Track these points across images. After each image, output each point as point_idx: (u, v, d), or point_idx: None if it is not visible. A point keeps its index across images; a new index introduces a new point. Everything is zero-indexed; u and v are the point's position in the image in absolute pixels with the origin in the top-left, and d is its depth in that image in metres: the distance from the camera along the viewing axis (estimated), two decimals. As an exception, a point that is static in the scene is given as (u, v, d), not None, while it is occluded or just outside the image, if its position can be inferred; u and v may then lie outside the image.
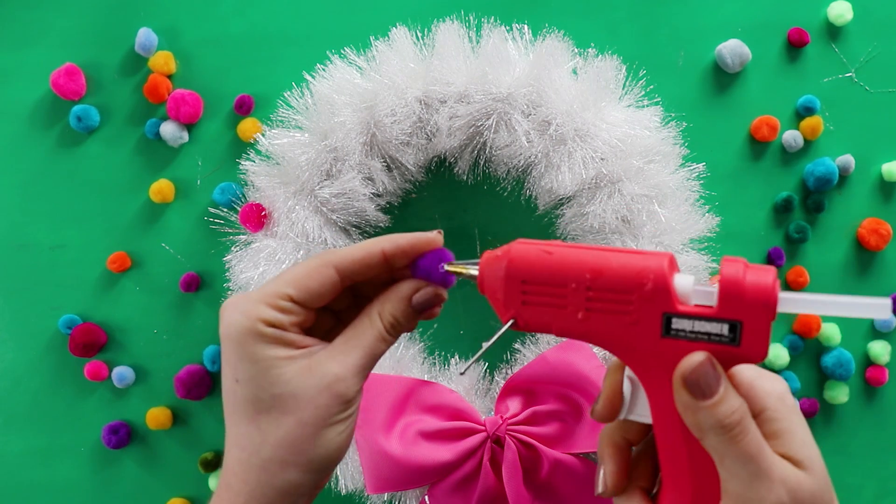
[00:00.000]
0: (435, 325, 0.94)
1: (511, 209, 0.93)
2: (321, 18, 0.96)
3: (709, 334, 0.48)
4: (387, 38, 0.85)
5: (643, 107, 0.86)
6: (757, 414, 0.50)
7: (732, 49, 0.94)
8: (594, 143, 0.81)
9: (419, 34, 0.85)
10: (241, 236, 0.88)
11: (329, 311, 0.58)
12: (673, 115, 0.88)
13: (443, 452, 0.79)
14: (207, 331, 0.96)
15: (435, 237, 0.55)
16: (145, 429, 0.96)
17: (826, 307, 0.47)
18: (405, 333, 0.62)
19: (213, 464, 0.94)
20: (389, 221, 0.90)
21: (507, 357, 0.90)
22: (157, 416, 0.94)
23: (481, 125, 0.82)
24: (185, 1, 0.96)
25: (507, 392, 0.83)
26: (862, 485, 0.97)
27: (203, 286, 0.95)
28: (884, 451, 0.97)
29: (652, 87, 0.87)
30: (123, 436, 0.94)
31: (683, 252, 0.83)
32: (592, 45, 0.85)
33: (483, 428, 0.80)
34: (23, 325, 0.96)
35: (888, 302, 0.45)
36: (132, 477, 0.97)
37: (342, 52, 0.87)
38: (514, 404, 0.83)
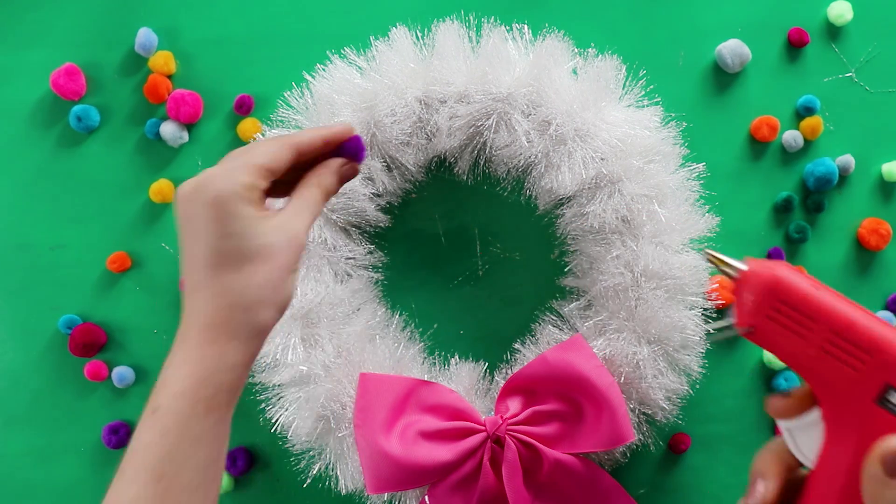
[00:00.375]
0: (435, 326, 0.94)
1: (511, 209, 0.93)
2: (321, 18, 0.96)
3: None
4: (387, 38, 0.85)
5: (643, 107, 0.86)
6: None
7: (732, 49, 0.94)
8: (594, 142, 0.81)
9: (419, 34, 0.85)
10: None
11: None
12: (673, 115, 0.88)
13: (443, 452, 0.79)
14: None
15: (350, 128, 0.69)
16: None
17: None
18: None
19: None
20: (389, 221, 0.90)
21: (507, 357, 0.90)
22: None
23: (481, 125, 0.82)
24: (185, 1, 0.96)
25: (508, 392, 0.83)
26: (862, 485, 0.97)
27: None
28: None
29: (652, 87, 0.87)
30: (123, 436, 0.94)
31: (683, 252, 0.83)
32: (592, 45, 0.85)
33: (483, 428, 0.80)
34: (23, 325, 0.96)
35: None
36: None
37: (342, 51, 0.87)
38: (514, 404, 0.83)
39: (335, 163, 0.68)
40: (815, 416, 0.56)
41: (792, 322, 0.55)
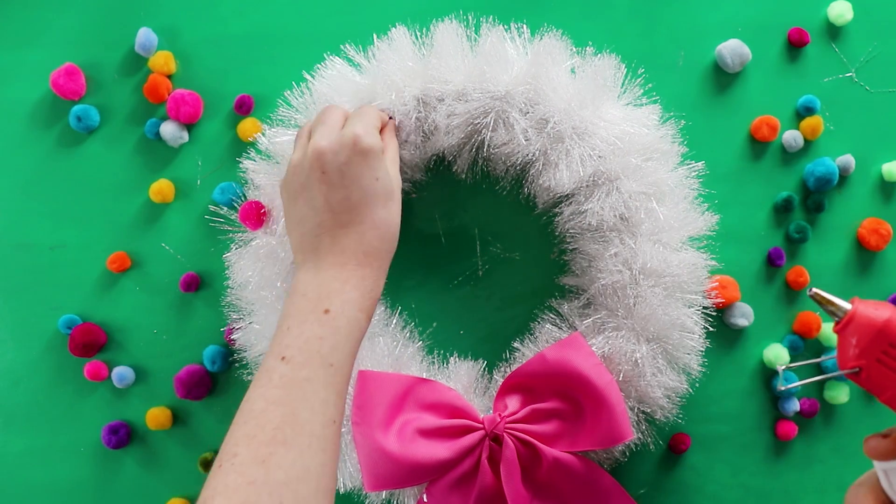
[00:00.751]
0: (434, 325, 0.94)
1: (511, 209, 0.93)
2: (321, 18, 0.96)
3: None
4: (386, 37, 0.85)
5: (641, 105, 0.86)
6: None
7: (732, 49, 0.94)
8: (592, 140, 0.81)
9: (418, 33, 0.85)
10: (241, 234, 0.88)
11: None
12: (673, 114, 0.88)
13: (441, 450, 0.79)
14: (207, 331, 0.96)
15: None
16: (145, 429, 0.95)
17: None
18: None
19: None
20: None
21: (505, 355, 0.90)
22: (156, 417, 0.94)
23: (479, 123, 0.82)
24: (185, 1, 0.96)
25: (506, 390, 0.83)
26: (862, 485, 0.97)
27: (203, 286, 0.95)
28: (884, 452, 0.97)
29: (651, 85, 0.87)
30: (123, 436, 0.94)
31: (682, 250, 0.83)
32: (590, 44, 0.85)
33: (481, 426, 0.80)
34: (23, 325, 0.96)
35: None
36: (132, 477, 0.96)
37: (341, 49, 0.87)
38: (512, 402, 0.83)
39: (391, 124, 0.82)
40: None
41: None
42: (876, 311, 0.56)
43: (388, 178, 0.75)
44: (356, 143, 0.73)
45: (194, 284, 0.95)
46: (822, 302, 0.59)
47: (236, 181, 0.93)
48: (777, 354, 0.94)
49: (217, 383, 0.96)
